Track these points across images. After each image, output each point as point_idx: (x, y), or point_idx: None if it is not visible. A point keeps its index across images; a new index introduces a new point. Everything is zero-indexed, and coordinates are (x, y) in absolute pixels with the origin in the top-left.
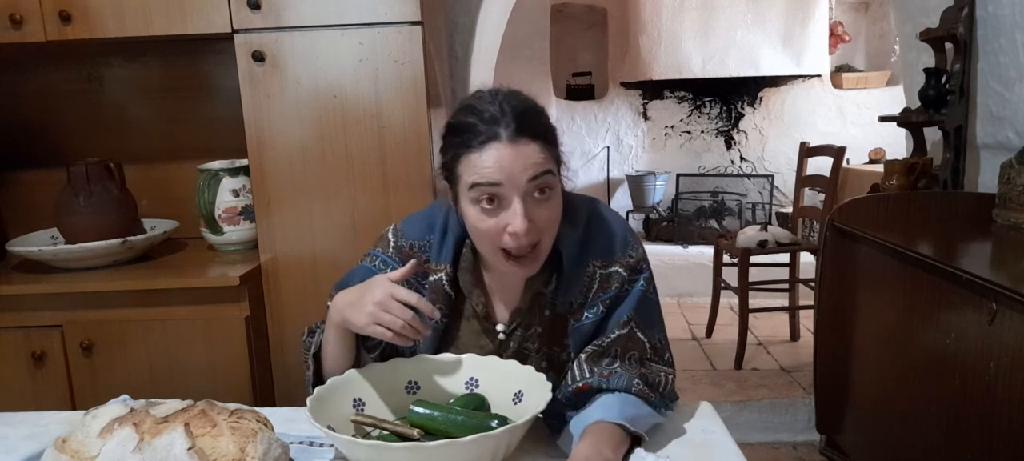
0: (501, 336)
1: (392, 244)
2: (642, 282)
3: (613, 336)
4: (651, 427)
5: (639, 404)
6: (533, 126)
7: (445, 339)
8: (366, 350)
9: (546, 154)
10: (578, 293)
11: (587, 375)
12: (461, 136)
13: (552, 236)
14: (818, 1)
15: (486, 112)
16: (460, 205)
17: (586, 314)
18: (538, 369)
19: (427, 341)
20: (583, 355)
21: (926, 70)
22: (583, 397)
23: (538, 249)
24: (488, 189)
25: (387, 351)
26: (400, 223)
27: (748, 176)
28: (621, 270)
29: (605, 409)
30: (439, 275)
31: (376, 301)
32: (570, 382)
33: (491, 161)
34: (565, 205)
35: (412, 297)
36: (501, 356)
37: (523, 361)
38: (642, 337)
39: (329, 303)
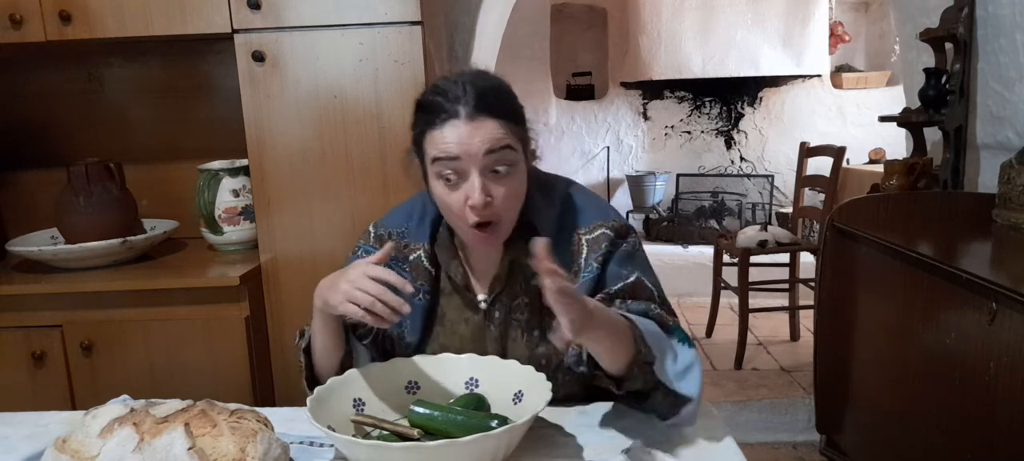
0: (483, 305)
1: (372, 235)
2: (629, 244)
3: (618, 285)
4: (682, 365)
5: (654, 325)
6: (493, 104)
7: (430, 317)
8: (357, 339)
9: (506, 130)
10: (569, 263)
11: None
12: (426, 114)
13: (515, 210)
14: (818, 1)
15: (450, 92)
16: (429, 181)
17: (582, 275)
18: (531, 341)
19: (413, 321)
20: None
21: (926, 70)
22: None
23: (500, 223)
24: (448, 163)
25: (379, 337)
26: (382, 217)
27: (748, 176)
28: (608, 231)
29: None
30: (418, 253)
31: (350, 280)
32: None
33: (450, 137)
34: (541, 182)
35: (385, 273)
36: (488, 329)
37: (511, 332)
38: (650, 285)
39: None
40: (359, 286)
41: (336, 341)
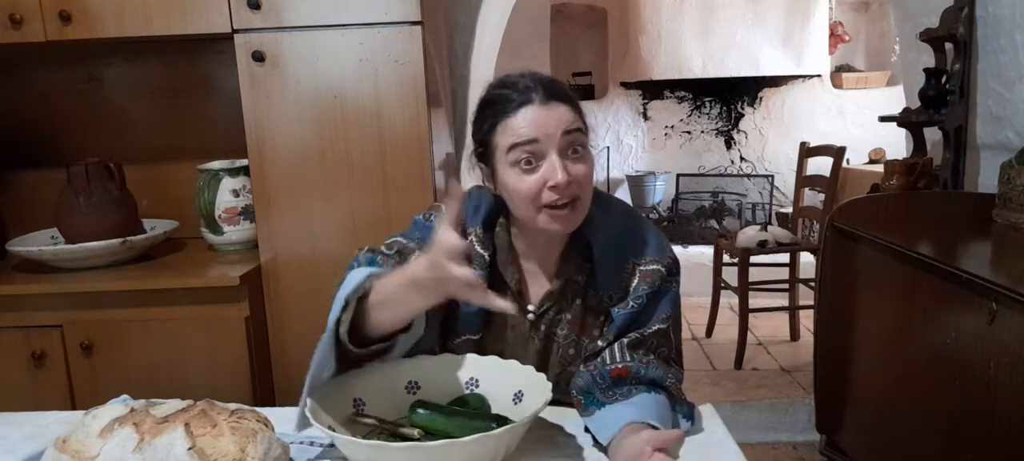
0: (531, 317)
1: (425, 214)
2: (676, 285)
3: (653, 329)
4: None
5: (667, 406)
6: (561, 93)
7: (484, 317)
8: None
9: (575, 115)
10: (618, 288)
11: (628, 359)
12: (497, 106)
13: (589, 193)
14: (818, 1)
15: (518, 84)
16: (498, 177)
17: (631, 303)
18: (565, 356)
19: (471, 321)
20: (625, 340)
21: (926, 70)
22: (620, 381)
23: (577, 203)
24: (526, 147)
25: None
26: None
27: (748, 176)
28: (661, 269)
29: (641, 410)
30: (470, 238)
31: (442, 267)
32: (609, 361)
33: (527, 121)
34: (596, 196)
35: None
36: (532, 340)
37: (551, 346)
38: (673, 338)
39: (358, 255)
40: (444, 276)
41: (413, 317)
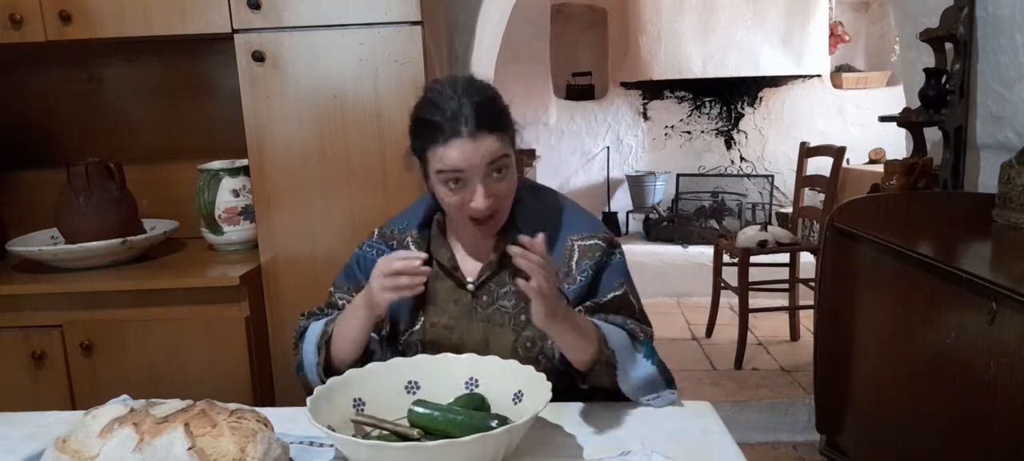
0: (471, 287)
1: (377, 233)
2: (619, 256)
3: (609, 297)
4: (640, 377)
5: (624, 335)
6: (490, 119)
7: (418, 298)
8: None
9: (503, 141)
10: (561, 265)
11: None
12: (427, 131)
13: (509, 201)
14: (818, 1)
15: (448, 109)
16: (430, 182)
17: (578, 277)
18: (518, 323)
19: (404, 302)
20: (580, 310)
21: (926, 70)
22: None
23: (499, 214)
24: (453, 174)
25: (383, 327)
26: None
27: (748, 176)
28: (600, 242)
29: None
30: (406, 239)
31: (379, 282)
32: None
33: (455, 154)
34: (531, 189)
35: (394, 263)
36: (476, 310)
37: (499, 315)
38: (633, 301)
39: (333, 289)
40: (386, 284)
41: (367, 334)
